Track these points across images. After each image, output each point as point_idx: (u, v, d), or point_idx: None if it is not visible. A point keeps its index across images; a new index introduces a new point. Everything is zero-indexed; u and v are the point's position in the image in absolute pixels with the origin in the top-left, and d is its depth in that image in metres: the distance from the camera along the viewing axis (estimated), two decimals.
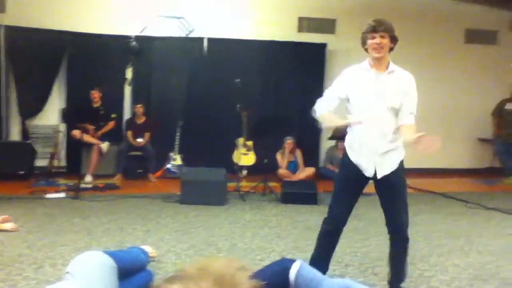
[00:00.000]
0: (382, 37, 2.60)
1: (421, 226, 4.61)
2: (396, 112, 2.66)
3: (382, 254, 3.59)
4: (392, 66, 2.69)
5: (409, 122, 2.69)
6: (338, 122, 2.66)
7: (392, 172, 2.69)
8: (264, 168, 6.35)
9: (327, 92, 2.79)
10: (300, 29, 8.18)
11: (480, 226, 4.68)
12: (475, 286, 3.04)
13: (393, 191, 2.72)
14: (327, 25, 8.23)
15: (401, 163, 2.75)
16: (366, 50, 2.71)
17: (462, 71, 8.73)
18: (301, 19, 8.17)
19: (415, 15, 8.40)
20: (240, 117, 6.94)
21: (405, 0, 8.36)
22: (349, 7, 8.12)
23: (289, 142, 7.01)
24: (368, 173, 2.68)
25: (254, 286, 1.17)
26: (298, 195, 5.57)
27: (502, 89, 8.20)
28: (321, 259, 2.86)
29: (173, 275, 1.16)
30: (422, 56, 8.51)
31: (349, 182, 2.75)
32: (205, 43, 7.70)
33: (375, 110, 2.63)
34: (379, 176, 2.67)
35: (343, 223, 2.78)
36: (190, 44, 7.71)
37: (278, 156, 7.10)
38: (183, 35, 7.76)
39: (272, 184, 6.21)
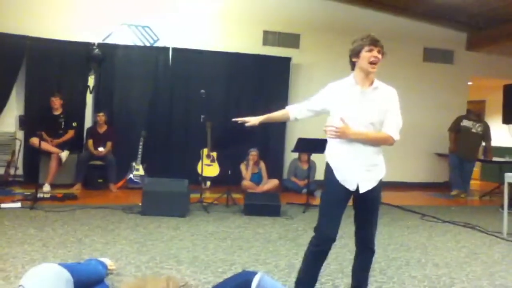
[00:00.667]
0: (379, 52, 2.61)
1: (379, 238, 4.68)
2: (379, 128, 2.68)
3: (341, 266, 3.66)
4: (376, 82, 2.70)
5: (387, 130, 2.71)
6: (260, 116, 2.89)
7: (373, 188, 2.69)
8: (228, 180, 6.35)
9: (309, 103, 2.81)
10: (265, 42, 8.29)
11: (436, 239, 4.82)
12: None
13: (371, 206, 2.73)
14: (291, 40, 8.37)
15: (381, 179, 2.76)
16: (353, 63, 2.70)
17: (421, 88, 9.06)
18: (266, 33, 8.29)
19: (375, 33, 8.63)
20: (204, 128, 6.93)
21: (366, 18, 8.62)
22: (312, 23, 8.30)
23: (253, 153, 7.05)
24: (352, 187, 2.65)
25: None
26: (261, 207, 5.58)
27: (458, 106, 8.56)
28: (311, 280, 2.77)
29: None
30: (382, 73, 8.72)
31: (336, 199, 2.68)
32: (170, 53, 7.67)
33: (359, 126, 2.61)
34: (361, 191, 2.65)
35: (333, 241, 2.70)
36: (155, 53, 7.67)
37: (242, 167, 7.12)
38: (147, 44, 7.71)
39: (235, 195, 6.21)
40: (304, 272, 2.77)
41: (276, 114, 2.93)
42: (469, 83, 9.76)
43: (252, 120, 2.96)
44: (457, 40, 9.31)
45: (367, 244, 2.79)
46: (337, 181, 2.65)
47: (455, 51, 9.35)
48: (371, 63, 2.58)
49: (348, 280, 3.37)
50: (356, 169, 2.63)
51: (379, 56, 2.60)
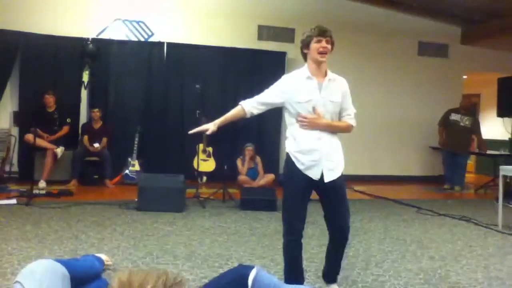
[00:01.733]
0: (327, 42, 2.68)
1: (375, 232, 4.74)
2: (335, 118, 2.78)
3: (342, 263, 3.66)
4: (329, 73, 2.76)
5: (351, 123, 2.84)
6: (216, 121, 2.87)
7: (339, 176, 2.74)
8: (224, 175, 6.35)
9: (262, 96, 2.86)
10: (260, 37, 8.27)
11: (432, 232, 4.85)
12: None
13: (338, 193, 2.76)
14: (286, 34, 8.35)
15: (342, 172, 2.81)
16: (304, 55, 2.79)
17: (415, 82, 9.09)
18: (261, 27, 8.27)
19: (370, 27, 8.68)
20: (199, 123, 6.89)
21: (361, 13, 8.61)
22: (307, 17, 8.27)
23: (249, 148, 7.04)
24: (315, 176, 2.68)
25: None
26: (257, 201, 5.59)
27: (453, 100, 8.56)
28: (297, 272, 2.79)
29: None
30: (377, 67, 8.81)
31: (300, 190, 2.72)
32: (165, 48, 7.64)
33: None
34: (326, 180, 2.69)
35: (302, 230, 2.74)
36: (150, 48, 7.63)
37: (238, 162, 7.11)
38: (142, 39, 7.68)
39: (232, 190, 6.21)
40: (287, 268, 2.79)
41: (232, 113, 2.92)
42: (464, 77, 9.78)
43: (211, 127, 2.94)
44: (452, 34, 9.32)
45: (343, 232, 2.81)
46: (299, 171, 2.69)
47: (450, 45, 9.36)
48: (320, 53, 2.66)
49: (344, 273, 3.39)
50: (319, 159, 2.67)
51: (328, 46, 2.68)
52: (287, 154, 2.77)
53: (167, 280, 1.18)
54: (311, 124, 2.66)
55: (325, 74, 2.74)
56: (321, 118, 2.67)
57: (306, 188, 2.72)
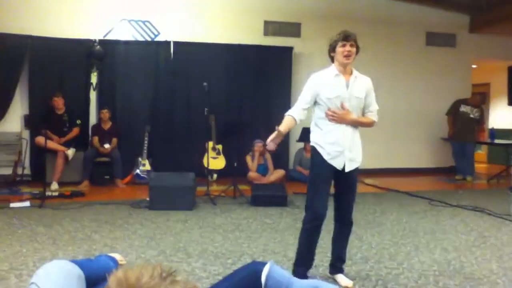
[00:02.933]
0: (351, 45, 2.90)
1: (387, 225, 4.72)
2: (359, 113, 3.01)
3: (350, 254, 3.66)
4: (354, 72, 2.99)
5: (373, 119, 3.11)
6: (274, 135, 2.80)
7: (357, 167, 3.01)
8: (234, 172, 6.35)
9: (301, 99, 2.98)
10: (266, 32, 8.24)
11: (445, 223, 4.82)
12: (441, 282, 3.13)
13: (352, 184, 3.04)
14: (292, 29, 8.32)
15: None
16: (331, 57, 2.99)
17: (424, 72, 9.01)
18: (266, 23, 8.24)
19: (377, 18, 8.61)
20: (208, 121, 6.92)
21: (367, 4, 8.56)
22: (313, 11, 8.25)
23: (258, 145, 7.04)
24: (339, 166, 2.92)
25: None
26: (268, 197, 5.60)
27: (462, 89, 8.50)
28: (309, 258, 3.04)
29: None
30: (384, 59, 8.74)
31: (325, 179, 2.95)
32: (172, 47, 7.65)
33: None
34: (347, 170, 2.93)
35: (325, 216, 2.95)
36: (156, 48, 7.65)
37: (248, 159, 7.12)
38: (148, 39, 7.70)
39: (242, 187, 6.21)
40: (301, 252, 3.03)
41: (286, 126, 2.91)
42: (473, 66, 9.68)
43: (272, 145, 2.87)
44: (460, 23, 9.22)
45: (348, 218, 3.09)
46: (325, 161, 2.92)
47: (458, 34, 9.25)
48: (345, 56, 2.88)
49: (357, 267, 3.39)
50: (342, 150, 2.92)
51: (352, 49, 2.90)
52: (313, 147, 3.00)
53: (162, 271, 1.19)
54: (340, 118, 2.88)
55: (351, 73, 2.97)
56: (349, 113, 2.90)
57: (330, 176, 2.96)
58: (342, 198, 3.05)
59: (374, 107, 3.09)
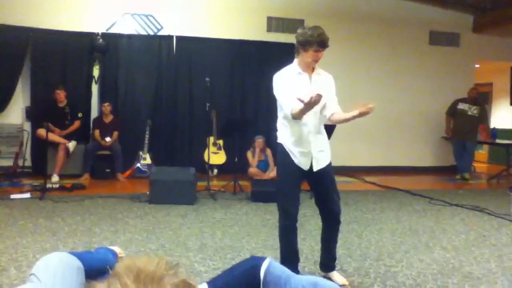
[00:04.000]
0: (323, 51, 2.80)
1: (387, 223, 4.72)
2: (323, 109, 2.90)
3: (349, 251, 3.67)
4: (317, 69, 2.92)
5: (338, 109, 2.95)
6: (304, 102, 2.63)
7: (326, 164, 2.94)
8: (234, 167, 6.36)
9: (284, 95, 2.83)
10: (269, 28, 8.23)
11: (444, 222, 4.82)
12: (440, 281, 3.13)
13: (328, 181, 2.95)
14: (295, 25, 8.27)
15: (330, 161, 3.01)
16: (297, 51, 2.85)
17: (427, 72, 8.99)
18: (270, 19, 8.22)
19: (380, 17, 8.59)
20: (209, 116, 6.92)
21: (370, 2, 8.54)
22: (316, 8, 8.22)
23: (259, 141, 7.03)
24: (306, 167, 2.88)
25: (176, 282, 1.19)
26: (268, 193, 5.59)
27: (465, 89, 8.46)
28: (292, 254, 2.99)
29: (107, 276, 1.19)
30: (388, 58, 8.72)
31: (294, 178, 2.91)
32: (174, 42, 7.64)
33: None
34: (315, 169, 2.88)
35: (296, 215, 2.93)
36: (159, 42, 7.64)
37: (249, 155, 7.12)
38: (151, 33, 7.69)
39: (242, 182, 6.22)
40: (283, 251, 3.00)
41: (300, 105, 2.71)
42: (476, 65, 9.66)
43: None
44: (463, 22, 9.19)
45: (335, 218, 3.00)
46: (292, 162, 2.88)
47: (461, 34, 9.23)
48: (315, 61, 2.81)
49: (356, 264, 3.40)
50: (309, 150, 2.86)
51: (321, 56, 2.80)
52: (280, 145, 2.94)
53: (167, 263, 1.22)
54: (312, 104, 2.54)
55: (313, 70, 2.91)
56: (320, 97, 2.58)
57: (298, 176, 2.91)
58: (321, 197, 2.98)
59: (335, 101, 2.95)
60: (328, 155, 2.98)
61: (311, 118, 2.85)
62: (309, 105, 2.56)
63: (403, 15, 8.75)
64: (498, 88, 11.11)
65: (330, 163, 2.97)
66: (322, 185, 2.95)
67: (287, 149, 2.90)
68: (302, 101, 2.57)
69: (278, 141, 2.97)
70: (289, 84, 2.83)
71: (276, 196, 2.98)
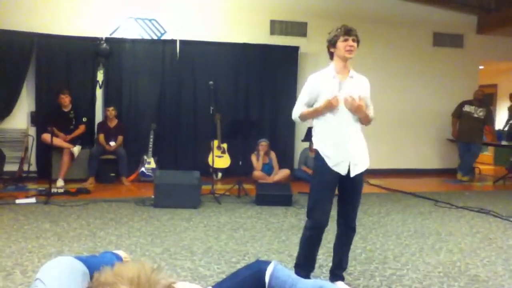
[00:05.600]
0: (353, 40, 2.78)
1: (392, 225, 4.70)
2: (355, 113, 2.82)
3: (354, 254, 3.66)
4: (351, 71, 2.87)
5: (370, 113, 2.93)
6: (317, 107, 2.79)
7: (363, 171, 2.86)
8: (239, 171, 6.35)
9: (300, 99, 2.92)
10: (272, 32, 8.23)
11: (450, 225, 4.80)
12: (446, 284, 3.11)
13: (357, 188, 2.87)
14: (298, 28, 8.30)
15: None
16: (331, 53, 2.87)
17: (431, 73, 8.96)
18: (273, 22, 8.22)
19: (383, 19, 8.58)
20: (213, 119, 6.93)
21: (374, 4, 8.53)
22: (320, 11, 8.23)
23: (263, 144, 7.03)
24: (343, 171, 2.78)
25: (170, 284, 1.19)
26: (272, 197, 5.59)
27: (470, 91, 8.44)
28: (309, 262, 2.95)
29: (90, 286, 1.19)
30: (391, 59, 8.71)
31: (328, 187, 2.82)
32: (178, 46, 7.66)
33: (342, 113, 2.78)
34: (352, 175, 2.79)
35: (326, 225, 2.84)
36: (162, 46, 7.65)
37: (253, 158, 7.11)
38: (155, 37, 7.71)
39: (247, 186, 6.22)
40: (302, 257, 2.95)
41: (313, 110, 2.87)
42: (480, 67, 9.62)
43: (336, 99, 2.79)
44: (467, 23, 9.16)
45: (350, 224, 2.94)
46: (329, 168, 2.78)
47: (465, 35, 9.20)
48: (347, 51, 2.77)
49: (362, 267, 3.38)
50: (347, 154, 2.78)
51: (354, 44, 2.79)
52: (317, 150, 2.85)
53: (147, 266, 1.22)
54: (353, 106, 2.72)
55: (348, 72, 2.85)
56: (362, 106, 2.75)
57: (333, 183, 2.82)
58: (346, 203, 2.90)
59: (371, 106, 2.94)
60: (367, 160, 2.88)
61: (348, 121, 2.79)
62: (327, 107, 2.69)
63: (407, 17, 8.73)
64: (503, 89, 11.07)
65: (363, 172, 2.87)
66: (352, 191, 2.86)
67: (322, 155, 2.80)
68: (350, 98, 2.70)
69: (314, 146, 2.87)
70: (319, 88, 2.81)
71: (308, 203, 2.87)
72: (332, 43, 2.83)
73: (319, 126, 2.86)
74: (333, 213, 2.90)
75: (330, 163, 2.78)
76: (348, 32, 2.77)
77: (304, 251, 2.93)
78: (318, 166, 2.85)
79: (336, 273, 3.02)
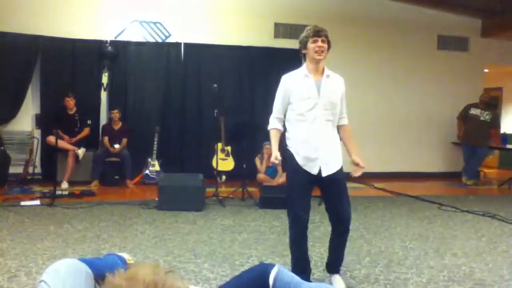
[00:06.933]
0: (323, 41, 2.80)
1: (397, 229, 4.68)
2: (333, 111, 2.86)
3: (359, 257, 3.64)
4: (326, 70, 2.88)
5: (346, 123, 3.02)
6: (273, 150, 2.91)
7: (336, 171, 2.86)
8: (243, 173, 6.35)
9: (275, 106, 2.98)
10: (277, 35, 8.24)
11: (455, 228, 4.77)
12: (450, 287, 3.10)
13: (338, 186, 2.87)
14: (302, 31, 8.27)
15: (342, 166, 2.93)
16: (303, 55, 2.92)
17: (435, 77, 8.94)
18: (277, 25, 8.24)
19: (388, 22, 8.57)
20: (218, 122, 6.93)
21: (379, 8, 8.52)
22: (324, 14, 8.22)
23: (267, 147, 7.02)
24: (314, 171, 2.82)
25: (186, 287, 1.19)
26: (276, 199, 5.57)
27: (474, 94, 8.41)
28: (303, 263, 2.95)
29: None
30: (396, 63, 8.69)
31: (302, 184, 2.85)
32: (182, 48, 7.68)
33: (317, 113, 2.81)
34: (324, 175, 2.82)
35: (307, 220, 2.88)
36: (167, 49, 7.68)
37: (257, 161, 7.11)
38: (159, 40, 7.73)
39: (251, 189, 6.21)
40: (294, 259, 2.95)
41: (276, 139, 2.99)
42: (485, 70, 9.59)
43: (278, 157, 2.92)
44: (472, 26, 9.14)
45: (344, 224, 2.91)
46: (299, 166, 2.83)
47: (470, 38, 9.17)
48: (316, 52, 2.78)
49: (366, 271, 3.37)
50: (317, 154, 2.80)
51: (324, 45, 2.80)
52: (287, 149, 2.91)
53: (161, 269, 1.21)
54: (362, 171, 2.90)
55: (323, 72, 2.86)
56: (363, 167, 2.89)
57: (307, 182, 2.85)
58: (330, 204, 2.90)
59: (344, 108, 2.98)
60: (339, 160, 2.89)
61: (319, 120, 2.81)
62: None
63: (411, 20, 8.72)
64: (508, 93, 11.03)
65: (341, 169, 2.88)
66: (333, 192, 2.87)
67: (294, 153, 2.86)
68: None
69: (286, 146, 2.93)
70: (293, 88, 2.84)
71: (286, 203, 2.93)
72: (302, 45, 2.87)
73: (289, 123, 2.92)
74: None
75: (301, 161, 2.83)
76: (317, 33, 2.79)
77: (294, 253, 2.94)
78: (289, 164, 2.90)
79: (333, 265, 3.06)
